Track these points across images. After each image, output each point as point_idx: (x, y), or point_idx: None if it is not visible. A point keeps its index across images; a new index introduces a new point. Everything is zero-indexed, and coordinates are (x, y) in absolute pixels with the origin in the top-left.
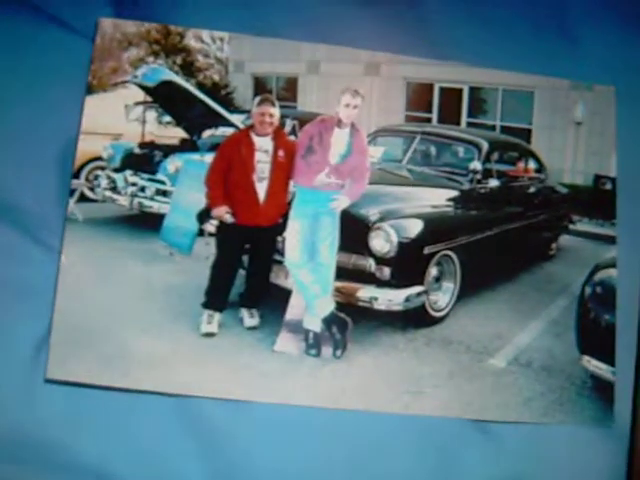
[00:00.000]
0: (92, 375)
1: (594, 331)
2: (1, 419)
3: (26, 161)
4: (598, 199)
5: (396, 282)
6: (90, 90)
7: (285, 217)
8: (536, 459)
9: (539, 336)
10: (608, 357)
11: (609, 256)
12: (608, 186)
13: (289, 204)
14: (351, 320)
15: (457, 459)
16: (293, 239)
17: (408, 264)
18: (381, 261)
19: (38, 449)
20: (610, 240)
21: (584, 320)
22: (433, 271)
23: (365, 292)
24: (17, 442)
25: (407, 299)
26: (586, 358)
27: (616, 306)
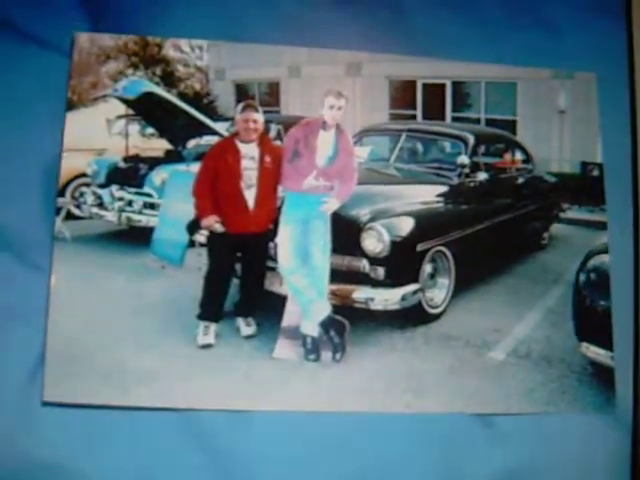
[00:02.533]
0: (90, 395)
1: (591, 318)
2: (0, 446)
3: (10, 181)
4: (586, 186)
5: (391, 281)
6: (70, 106)
7: (276, 223)
8: (540, 450)
9: (537, 326)
10: (606, 343)
11: (601, 242)
12: (596, 172)
13: (279, 210)
14: (348, 322)
15: (462, 454)
16: (285, 245)
17: (402, 262)
18: (375, 261)
19: (40, 474)
20: (601, 226)
21: (580, 307)
22: (427, 268)
23: (361, 293)
24: (18, 469)
25: (403, 298)
26: (585, 345)
27: (611, 291)
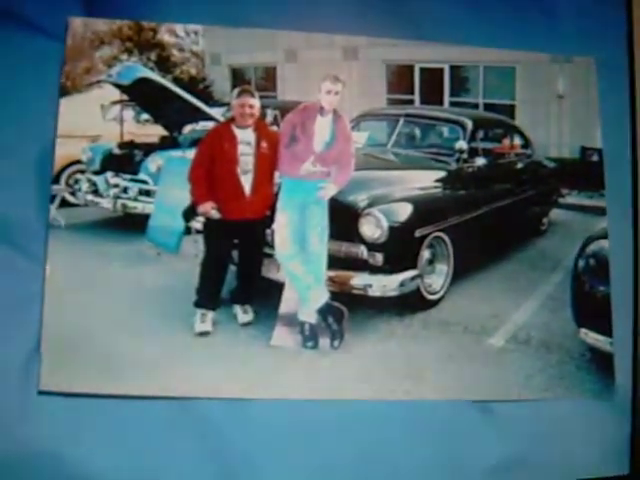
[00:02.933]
0: (86, 384)
1: (590, 303)
2: None
3: (3, 169)
4: (586, 171)
5: (389, 267)
6: (64, 92)
7: (273, 209)
8: (539, 436)
9: (536, 312)
10: (605, 329)
11: (600, 227)
12: (595, 157)
13: (276, 195)
14: (346, 309)
15: (461, 440)
16: (282, 231)
17: (400, 248)
18: (373, 247)
19: (37, 463)
20: (600, 211)
21: (579, 293)
22: (426, 254)
23: (359, 279)
24: (15, 458)
25: (401, 284)
26: (584, 331)
27: (610, 277)
